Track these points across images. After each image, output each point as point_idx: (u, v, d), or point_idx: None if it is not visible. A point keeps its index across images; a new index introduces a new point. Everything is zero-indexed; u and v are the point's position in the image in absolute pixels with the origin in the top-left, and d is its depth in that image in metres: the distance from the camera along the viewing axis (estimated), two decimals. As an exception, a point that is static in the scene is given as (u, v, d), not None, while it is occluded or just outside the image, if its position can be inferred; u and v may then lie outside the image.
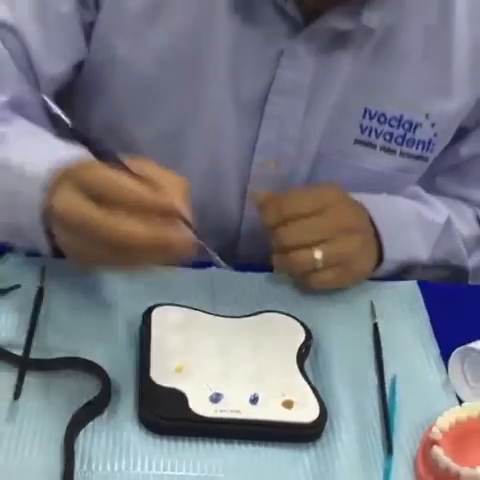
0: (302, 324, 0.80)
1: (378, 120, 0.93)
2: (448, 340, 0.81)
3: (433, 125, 0.95)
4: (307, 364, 0.77)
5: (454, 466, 0.66)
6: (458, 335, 0.79)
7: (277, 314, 0.81)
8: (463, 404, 0.73)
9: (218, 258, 0.73)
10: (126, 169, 0.69)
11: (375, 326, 0.83)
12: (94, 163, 0.70)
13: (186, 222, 0.69)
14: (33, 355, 0.73)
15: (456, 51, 0.92)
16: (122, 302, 0.81)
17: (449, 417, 0.70)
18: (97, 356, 0.73)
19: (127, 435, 0.68)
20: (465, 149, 1.01)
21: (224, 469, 0.67)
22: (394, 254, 0.90)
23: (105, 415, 0.70)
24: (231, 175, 0.96)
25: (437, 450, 0.67)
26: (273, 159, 0.93)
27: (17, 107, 0.88)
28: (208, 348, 0.76)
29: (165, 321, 0.77)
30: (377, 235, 0.89)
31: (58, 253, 0.75)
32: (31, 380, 0.71)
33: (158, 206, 0.67)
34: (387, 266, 0.90)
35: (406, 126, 0.94)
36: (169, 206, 0.68)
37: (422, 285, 0.90)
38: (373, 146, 0.94)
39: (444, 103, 0.94)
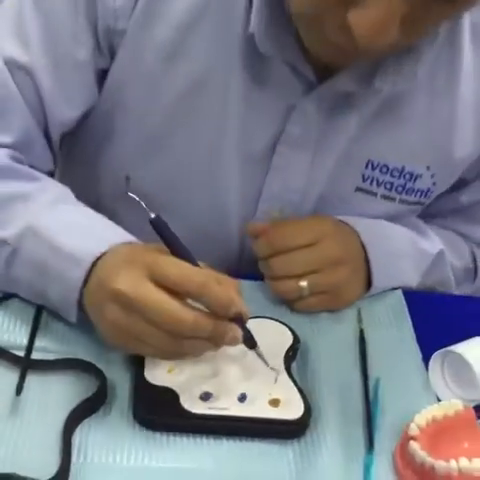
0: (290, 329, 0.84)
1: (380, 170, 0.94)
2: (430, 345, 0.84)
3: (433, 176, 0.96)
4: (294, 366, 0.81)
5: (429, 460, 0.70)
6: (439, 340, 0.83)
7: (267, 319, 0.85)
8: (440, 402, 0.76)
9: (261, 352, 0.78)
10: (194, 263, 0.74)
11: (361, 332, 0.87)
12: (162, 251, 0.75)
13: (243, 325, 0.75)
14: (34, 356, 0.77)
15: (461, 108, 0.93)
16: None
17: (426, 415, 0.73)
18: (95, 357, 0.77)
19: (122, 430, 0.72)
20: (465, 197, 1.03)
21: (213, 462, 0.71)
22: (383, 282, 0.93)
23: (101, 411, 0.73)
24: (235, 219, 0.97)
25: (414, 445, 0.71)
26: (277, 208, 0.95)
27: (24, 147, 0.88)
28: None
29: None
30: (368, 261, 0.91)
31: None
32: (32, 378, 0.75)
33: (226, 304, 0.72)
34: (375, 291, 0.93)
35: (407, 177, 0.95)
36: (235, 305, 0.73)
37: (406, 294, 0.94)
38: (374, 194, 0.96)
39: (446, 157, 0.95)
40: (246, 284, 0.90)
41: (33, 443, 0.70)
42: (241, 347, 0.78)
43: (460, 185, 1.01)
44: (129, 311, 0.71)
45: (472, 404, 0.77)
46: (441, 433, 0.73)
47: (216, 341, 0.73)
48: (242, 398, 0.75)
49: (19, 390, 0.72)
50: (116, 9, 0.85)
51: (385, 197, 0.96)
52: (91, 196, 0.87)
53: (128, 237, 0.80)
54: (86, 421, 0.72)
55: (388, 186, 0.95)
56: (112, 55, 0.88)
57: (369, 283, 0.92)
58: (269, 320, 0.85)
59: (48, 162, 0.92)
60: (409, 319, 0.90)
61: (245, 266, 0.99)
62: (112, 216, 0.83)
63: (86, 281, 0.76)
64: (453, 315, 0.92)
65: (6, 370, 0.76)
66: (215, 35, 0.86)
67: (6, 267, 0.81)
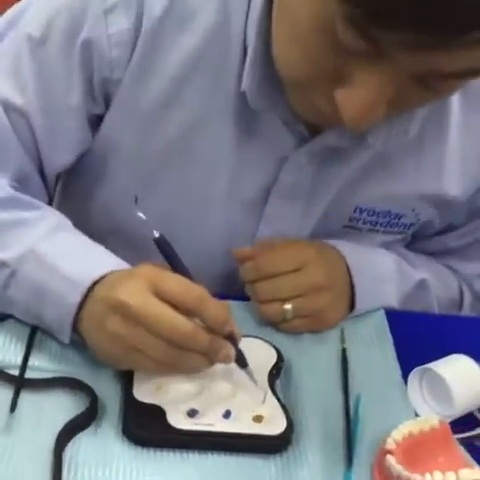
0: (275, 348, 0.87)
1: (367, 213, 0.98)
2: (410, 363, 0.87)
3: (417, 215, 1.00)
4: (278, 384, 0.84)
5: (405, 473, 0.72)
6: (419, 358, 0.86)
7: (252, 338, 0.87)
8: (417, 418, 0.79)
9: (251, 371, 0.81)
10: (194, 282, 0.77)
11: (344, 351, 0.90)
12: (163, 267, 0.78)
13: (236, 344, 0.79)
14: (28, 375, 0.80)
15: (448, 161, 0.95)
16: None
17: (403, 429, 0.76)
18: (86, 376, 0.80)
19: (111, 446, 0.75)
20: (453, 241, 1.06)
21: (199, 476, 0.73)
22: (366, 304, 0.95)
23: (92, 428, 0.76)
24: (225, 260, 0.99)
25: (390, 459, 0.74)
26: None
27: (20, 183, 0.90)
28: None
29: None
30: (352, 285, 0.94)
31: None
32: (26, 396, 0.77)
33: (222, 321, 0.76)
34: (358, 312, 0.95)
35: (392, 216, 0.99)
36: (230, 324, 0.77)
37: (388, 313, 0.97)
38: (360, 229, 1.00)
39: (432, 205, 0.99)
40: (233, 304, 0.92)
41: (25, 459, 0.72)
42: (227, 365, 0.81)
43: (447, 230, 1.04)
44: (130, 322, 0.74)
45: (449, 420, 0.80)
46: (417, 447, 0.76)
47: (211, 356, 0.77)
48: (227, 414, 0.78)
49: (13, 407, 0.75)
50: (112, 60, 0.86)
51: (370, 230, 1.00)
52: (86, 231, 0.89)
53: (124, 265, 0.83)
54: (77, 437, 0.75)
55: (373, 223, 0.99)
56: (107, 102, 0.90)
57: (352, 305, 0.95)
58: (254, 338, 0.88)
59: (44, 198, 0.94)
60: (390, 338, 0.93)
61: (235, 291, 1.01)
62: None
63: (83, 304, 0.79)
64: (433, 334, 0.95)
65: (1, 388, 0.79)
66: (208, 87, 0.88)
67: (3, 288, 0.84)
